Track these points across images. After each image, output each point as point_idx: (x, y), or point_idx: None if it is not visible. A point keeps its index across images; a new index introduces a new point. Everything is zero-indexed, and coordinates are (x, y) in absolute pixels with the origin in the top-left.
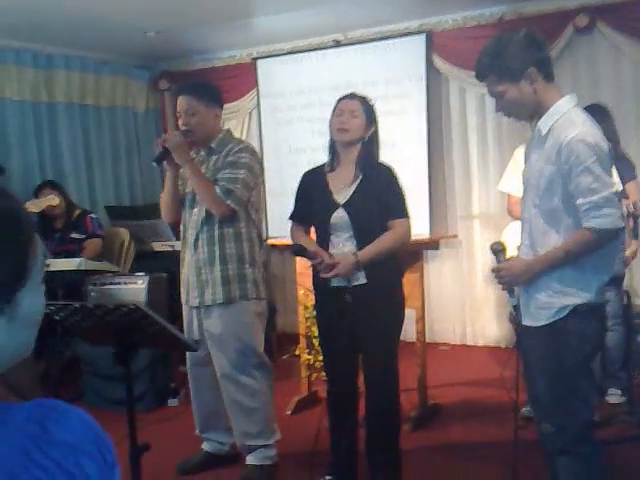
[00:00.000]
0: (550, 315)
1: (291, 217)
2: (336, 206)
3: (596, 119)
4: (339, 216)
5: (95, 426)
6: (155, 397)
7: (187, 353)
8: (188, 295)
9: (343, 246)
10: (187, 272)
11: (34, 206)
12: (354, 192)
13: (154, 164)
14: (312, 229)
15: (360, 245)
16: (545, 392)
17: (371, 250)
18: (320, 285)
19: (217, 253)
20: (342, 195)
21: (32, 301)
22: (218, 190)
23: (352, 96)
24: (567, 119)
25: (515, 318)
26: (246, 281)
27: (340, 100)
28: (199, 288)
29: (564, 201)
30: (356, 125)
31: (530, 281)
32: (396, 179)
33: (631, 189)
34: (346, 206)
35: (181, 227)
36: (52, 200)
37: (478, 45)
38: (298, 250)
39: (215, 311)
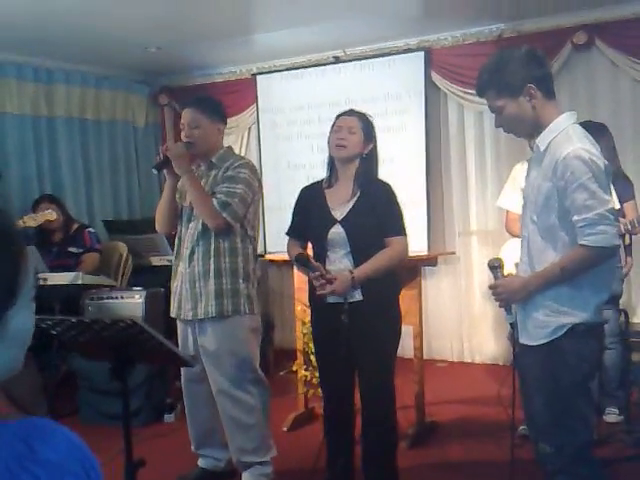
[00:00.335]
0: (547, 334)
1: (288, 232)
2: (333, 222)
3: (593, 136)
4: (336, 232)
5: (81, 445)
6: (151, 412)
7: (181, 369)
8: (180, 309)
9: (339, 262)
10: (180, 285)
11: (32, 220)
12: (351, 208)
13: (154, 171)
14: (309, 245)
15: (357, 262)
16: (542, 412)
17: (367, 268)
18: (316, 301)
19: (212, 267)
20: (339, 211)
21: (22, 319)
22: (215, 202)
23: (350, 112)
24: (564, 135)
25: (513, 336)
26: (239, 296)
27: (338, 117)
28: (192, 301)
29: (560, 218)
30: (354, 141)
31: (527, 298)
32: (394, 196)
33: (629, 209)
34: (343, 222)
35: (176, 241)
36: (50, 215)
37: (476, 62)
38: (302, 260)
39: (209, 326)
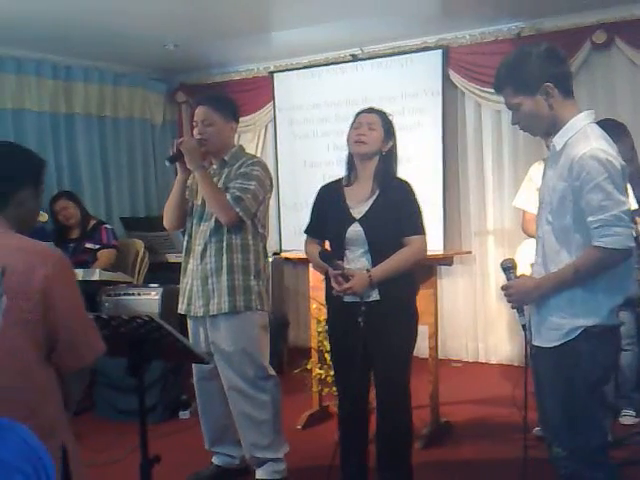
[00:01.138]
0: (560, 336)
1: (306, 231)
2: (352, 221)
3: (612, 136)
4: (354, 231)
5: (35, 445)
6: (167, 409)
7: (193, 367)
8: (190, 305)
9: (357, 261)
10: (190, 282)
11: None
12: (370, 207)
13: (167, 163)
14: (327, 243)
15: (375, 260)
16: (555, 414)
17: (385, 268)
18: (333, 300)
19: (225, 263)
20: (358, 210)
21: None
22: (228, 197)
23: (371, 110)
24: (581, 135)
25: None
26: (251, 292)
27: (359, 114)
28: (204, 297)
29: (575, 219)
30: (374, 138)
31: (539, 300)
32: (413, 195)
33: None
34: (362, 221)
35: (185, 237)
36: (42, 217)
37: (494, 61)
38: (326, 256)
39: (221, 323)
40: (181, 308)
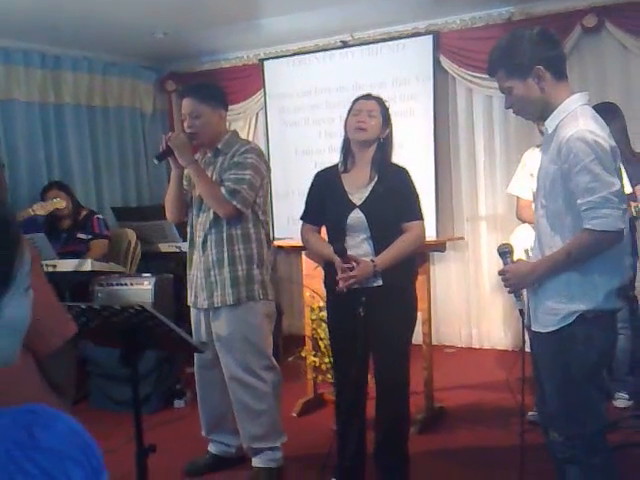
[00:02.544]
0: (557, 321)
1: (302, 217)
2: (352, 207)
3: (606, 118)
4: (356, 217)
5: (82, 432)
6: (161, 398)
7: (195, 355)
8: (196, 297)
9: (359, 248)
10: (195, 274)
11: (41, 209)
12: (370, 193)
13: (155, 161)
14: (323, 230)
15: (376, 247)
16: (552, 399)
17: (389, 256)
18: (333, 285)
19: (226, 254)
20: (358, 196)
21: (16, 308)
22: (223, 190)
23: (369, 96)
24: (571, 117)
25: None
26: (254, 282)
27: (357, 100)
28: (208, 290)
29: (566, 201)
30: (374, 125)
31: (535, 283)
32: (411, 181)
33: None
34: (363, 207)
35: (188, 229)
36: (59, 203)
37: (485, 46)
38: (342, 251)
39: (223, 313)
40: (189, 300)
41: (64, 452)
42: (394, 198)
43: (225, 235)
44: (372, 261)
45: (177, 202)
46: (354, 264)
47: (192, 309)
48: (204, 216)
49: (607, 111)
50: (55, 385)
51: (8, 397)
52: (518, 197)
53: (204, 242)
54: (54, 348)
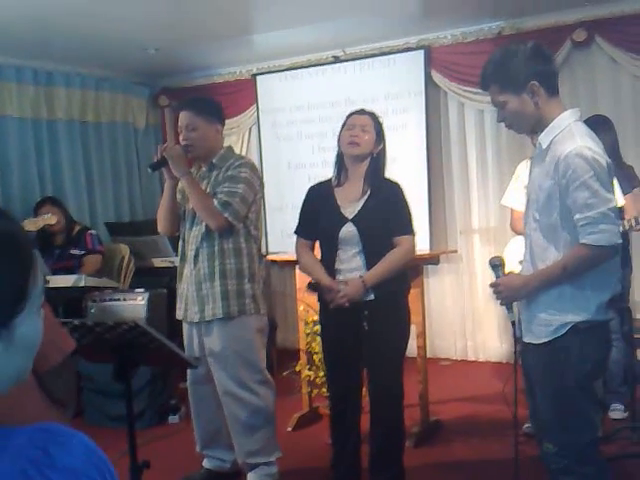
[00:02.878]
0: (550, 332)
1: (296, 231)
2: (344, 221)
3: (598, 130)
4: (348, 231)
5: (97, 450)
6: (155, 414)
7: (188, 370)
8: (187, 311)
9: (351, 261)
10: (186, 287)
11: (32, 225)
12: (363, 207)
13: (149, 171)
14: (317, 244)
15: (368, 260)
16: (546, 410)
17: (377, 272)
18: (327, 302)
19: (217, 268)
20: (350, 210)
21: (30, 326)
22: (216, 203)
23: (362, 112)
24: (567, 133)
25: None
26: (245, 296)
27: (351, 115)
28: (199, 303)
29: (562, 216)
30: (367, 140)
31: (528, 297)
32: (403, 195)
33: (628, 201)
34: (355, 221)
35: (180, 242)
36: (50, 219)
37: (476, 60)
38: (314, 287)
39: (215, 327)
40: (179, 314)
41: (80, 470)
42: (386, 212)
43: (217, 249)
44: (361, 279)
45: (170, 214)
46: (335, 285)
47: (184, 324)
48: (197, 229)
49: (598, 124)
50: (56, 400)
51: (11, 415)
52: (512, 209)
53: (196, 256)
54: (54, 364)
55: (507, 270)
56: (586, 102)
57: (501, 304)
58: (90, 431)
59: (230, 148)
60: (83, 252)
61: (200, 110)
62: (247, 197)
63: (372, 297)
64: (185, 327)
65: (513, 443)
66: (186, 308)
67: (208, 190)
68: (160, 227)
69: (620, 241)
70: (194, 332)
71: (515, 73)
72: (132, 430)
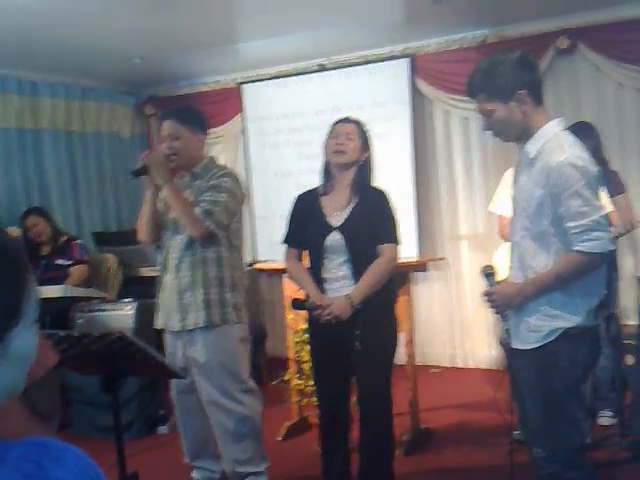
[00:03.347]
0: (540, 338)
1: (285, 241)
2: (330, 229)
3: (581, 136)
4: (334, 239)
5: (91, 463)
6: (144, 424)
7: (172, 381)
8: (167, 320)
9: (337, 270)
10: (167, 296)
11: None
12: (349, 215)
13: (130, 175)
14: (306, 252)
15: (355, 269)
16: (535, 416)
17: (363, 287)
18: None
19: (199, 277)
20: (336, 218)
21: (24, 340)
22: (198, 211)
23: (348, 120)
24: (555, 142)
25: (506, 341)
26: (226, 306)
27: (336, 123)
28: (181, 312)
29: (554, 224)
30: (352, 148)
31: (522, 304)
32: (389, 203)
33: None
34: (341, 229)
35: (161, 251)
36: (15, 231)
37: (461, 68)
38: (298, 304)
39: (198, 337)
40: (158, 323)
41: None
42: (372, 220)
43: (199, 258)
44: (347, 297)
45: (150, 222)
46: (320, 300)
47: (166, 334)
48: (179, 238)
49: (581, 130)
50: (39, 413)
51: None
52: (500, 215)
53: (178, 264)
54: (37, 377)
55: (499, 277)
56: (570, 109)
57: (495, 313)
58: (79, 442)
59: (213, 158)
60: (70, 262)
61: (184, 119)
62: (230, 206)
63: (359, 306)
64: (168, 337)
65: (504, 450)
66: (167, 317)
67: (191, 199)
68: (141, 236)
69: (613, 247)
70: (177, 342)
71: (503, 82)
72: (120, 441)
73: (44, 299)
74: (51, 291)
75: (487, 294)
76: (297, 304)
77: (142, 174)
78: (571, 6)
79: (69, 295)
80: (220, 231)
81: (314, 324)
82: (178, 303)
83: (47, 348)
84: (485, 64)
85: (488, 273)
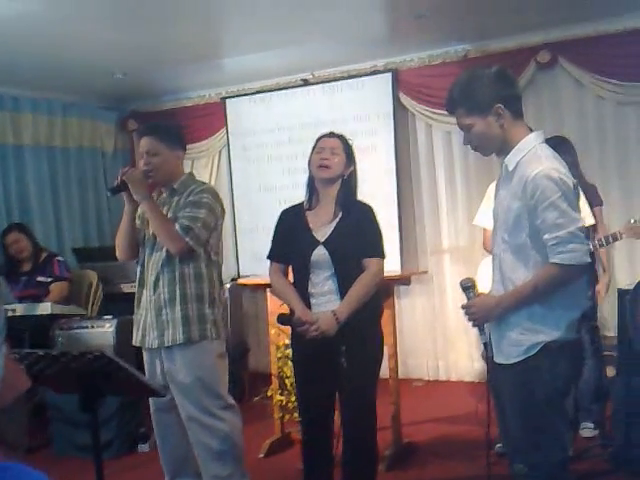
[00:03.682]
0: (521, 352)
1: (269, 256)
2: (316, 244)
3: (559, 150)
4: (320, 254)
5: (37, 476)
6: (125, 443)
7: (150, 398)
8: (144, 337)
9: (323, 285)
10: (144, 313)
11: None
12: (334, 230)
13: (108, 194)
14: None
15: (340, 283)
16: (517, 430)
17: (349, 303)
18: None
19: (178, 293)
20: (322, 233)
21: None
22: (177, 227)
23: (332, 134)
24: (533, 155)
25: (487, 355)
26: (206, 322)
27: (320, 138)
28: (159, 329)
29: (531, 237)
30: (337, 163)
31: (500, 317)
32: (374, 217)
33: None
34: (326, 244)
35: (138, 268)
36: None
37: (443, 82)
38: (284, 319)
39: (176, 354)
40: (136, 340)
41: None
42: (357, 235)
43: (177, 274)
44: (333, 313)
45: (128, 239)
46: (307, 316)
47: (145, 352)
48: (157, 255)
49: (559, 144)
50: (5, 441)
51: None
52: (484, 228)
53: (156, 281)
54: (5, 403)
55: (481, 290)
56: (551, 122)
57: (473, 325)
58: (59, 461)
59: (191, 174)
60: (50, 279)
61: (162, 136)
62: (209, 222)
63: (347, 326)
64: (145, 355)
65: (485, 464)
66: (144, 334)
67: (169, 215)
68: (119, 253)
69: (589, 260)
70: (156, 360)
71: (480, 96)
72: (99, 461)
73: (24, 316)
74: (31, 308)
75: (466, 307)
76: (283, 319)
77: (120, 191)
78: (552, 21)
79: (49, 313)
80: (199, 247)
81: (299, 339)
82: (156, 320)
83: (19, 372)
84: (463, 79)
85: (467, 286)
